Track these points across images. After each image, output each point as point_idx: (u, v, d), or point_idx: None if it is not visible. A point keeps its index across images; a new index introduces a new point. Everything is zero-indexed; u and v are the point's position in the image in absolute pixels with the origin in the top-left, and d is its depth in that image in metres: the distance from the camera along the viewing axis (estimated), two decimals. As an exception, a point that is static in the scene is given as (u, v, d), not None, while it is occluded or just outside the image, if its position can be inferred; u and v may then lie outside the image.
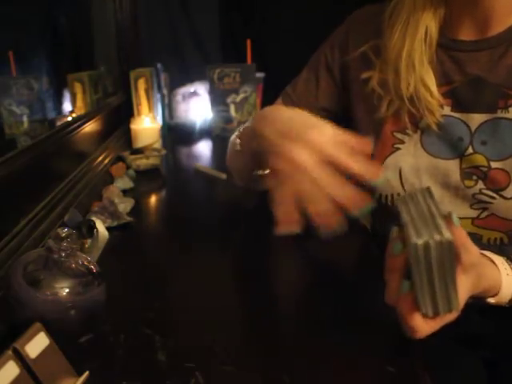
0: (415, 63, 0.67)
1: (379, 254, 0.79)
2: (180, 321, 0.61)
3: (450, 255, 0.44)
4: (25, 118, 1.01)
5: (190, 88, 1.79)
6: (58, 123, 1.17)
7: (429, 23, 0.66)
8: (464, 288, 0.48)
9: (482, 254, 0.57)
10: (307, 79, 0.83)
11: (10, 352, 0.40)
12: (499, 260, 0.57)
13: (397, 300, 0.48)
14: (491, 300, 0.57)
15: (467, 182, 0.67)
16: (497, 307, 0.69)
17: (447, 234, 0.43)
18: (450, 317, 0.48)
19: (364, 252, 0.82)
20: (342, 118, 0.82)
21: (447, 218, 0.46)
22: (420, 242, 0.44)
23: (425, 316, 0.47)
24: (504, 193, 0.65)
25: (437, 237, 0.43)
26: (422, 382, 0.50)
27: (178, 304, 0.65)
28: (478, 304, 0.68)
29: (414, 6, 0.66)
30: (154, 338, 0.56)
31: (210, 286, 0.68)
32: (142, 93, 1.52)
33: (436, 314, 0.47)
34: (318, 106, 0.82)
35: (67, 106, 1.30)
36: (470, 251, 0.48)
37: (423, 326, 0.47)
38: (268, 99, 1.74)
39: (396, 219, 0.49)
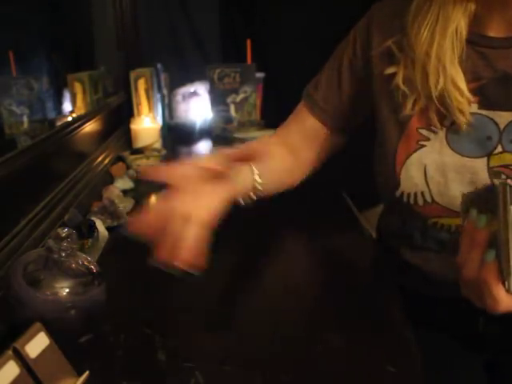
0: (445, 61, 0.65)
1: (380, 255, 0.79)
2: (180, 321, 0.61)
3: None
4: (25, 118, 1.01)
5: (190, 88, 1.79)
6: (58, 123, 1.17)
7: (459, 20, 0.65)
8: None
9: None
10: (330, 81, 0.81)
11: (10, 352, 0.40)
12: None
13: (479, 272, 0.49)
14: None
15: (496, 181, 0.66)
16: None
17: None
18: None
19: (364, 253, 0.82)
20: (372, 117, 0.81)
21: None
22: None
23: (507, 291, 0.47)
24: None
25: None
26: (421, 382, 0.50)
27: (178, 304, 0.65)
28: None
29: (443, 2, 0.64)
30: (154, 338, 0.56)
31: (210, 285, 0.68)
32: (142, 93, 1.52)
33: None
34: (344, 108, 0.80)
35: (67, 106, 1.30)
36: None
37: (506, 297, 0.48)
38: (268, 99, 1.75)
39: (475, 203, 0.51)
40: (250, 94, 1.67)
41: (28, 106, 1.03)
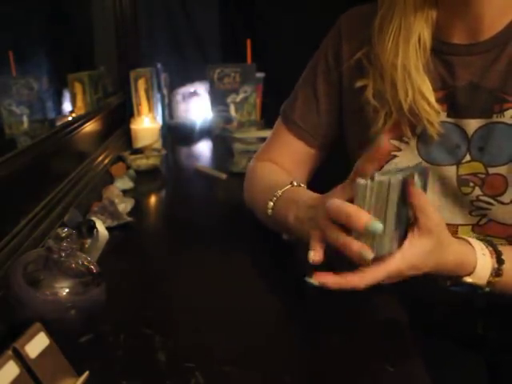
0: (411, 72, 0.65)
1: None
2: (180, 321, 0.61)
3: (388, 194, 0.50)
4: (25, 118, 1.01)
5: (190, 88, 1.79)
6: (58, 123, 1.17)
7: (421, 29, 0.65)
8: (420, 249, 0.52)
9: (458, 236, 0.59)
10: (306, 97, 0.80)
11: (10, 352, 0.40)
12: (476, 242, 0.59)
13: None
14: (467, 279, 0.58)
15: (464, 189, 0.67)
16: (499, 308, 0.69)
17: (381, 178, 0.50)
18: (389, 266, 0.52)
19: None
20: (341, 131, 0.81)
21: (411, 179, 0.50)
22: (362, 181, 0.50)
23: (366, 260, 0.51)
24: (502, 198, 0.65)
25: (378, 177, 0.50)
26: (422, 382, 0.50)
27: (178, 304, 0.65)
28: (479, 303, 0.68)
29: (404, 12, 0.65)
30: (154, 338, 0.56)
31: (210, 285, 0.68)
32: (142, 93, 1.52)
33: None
34: (322, 124, 0.80)
35: (67, 106, 1.30)
36: (428, 216, 0.51)
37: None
38: (268, 99, 1.75)
39: None
40: (250, 94, 1.66)
41: (28, 106, 1.03)
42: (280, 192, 0.70)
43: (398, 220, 0.52)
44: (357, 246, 0.51)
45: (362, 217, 0.50)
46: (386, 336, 0.57)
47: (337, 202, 0.53)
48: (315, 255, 0.55)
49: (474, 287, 0.59)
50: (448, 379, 0.71)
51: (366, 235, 0.51)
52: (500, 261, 0.57)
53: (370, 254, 0.50)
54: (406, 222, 0.53)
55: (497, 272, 0.57)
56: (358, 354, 0.53)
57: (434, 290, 0.75)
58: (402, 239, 0.53)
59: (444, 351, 0.74)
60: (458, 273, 0.57)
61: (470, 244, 0.58)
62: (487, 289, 0.58)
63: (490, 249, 0.58)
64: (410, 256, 0.52)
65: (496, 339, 0.75)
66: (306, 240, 0.58)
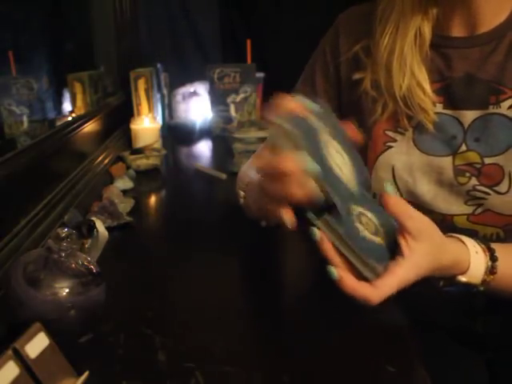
0: (407, 62, 0.66)
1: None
2: (180, 321, 0.61)
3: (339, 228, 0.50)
4: (25, 118, 1.01)
5: (190, 88, 1.79)
6: (58, 123, 1.18)
7: (420, 25, 0.66)
8: (419, 253, 0.50)
9: (449, 235, 0.58)
10: (305, 94, 0.79)
11: (10, 352, 0.40)
12: (468, 239, 0.58)
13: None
14: (462, 278, 0.57)
15: (460, 179, 0.67)
16: (499, 307, 0.69)
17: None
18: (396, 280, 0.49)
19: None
20: None
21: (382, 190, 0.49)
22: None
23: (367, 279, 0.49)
24: (498, 188, 0.65)
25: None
26: (422, 382, 0.50)
27: (178, 304, 0.65)
28: (478, 301, 0.68)
29: (402, 9, 0.66)
30: (154, 338, 0.56)
31: (210, 285, 0.68)
32: (142, 93, 1.52)
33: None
34: None
35: (67, 106, 1.30)
36: (413, 217, 0.50)
37: (373, 291, 0.49)
38: (268, 99, 1.75)
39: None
40: (250, 94, 1.67)
41: (28, 106, 1.03)
42: (248, 179, 0.71)
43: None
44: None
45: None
46: (386, 336, 0.57)
47: None
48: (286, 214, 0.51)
49: (468, 287, 0.58)
50: (448, 379, 0.71)
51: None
52: (493, 258, 0.57)
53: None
54: (392, 229, 0.52)
55: (491, 270, 0.57)
56: (358, 354, 0.53)
57: (434, 290, 0.75)
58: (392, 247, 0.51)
59: (444, 351, 0.74)
60: (452, 272, 0.56)
61: (462, 241, 0.57)
62: (481, 288, 0.58)
63: (483, 246, 0.58)
64: (414, 262, 0.50)
65: (496, 338, 0.75)
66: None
